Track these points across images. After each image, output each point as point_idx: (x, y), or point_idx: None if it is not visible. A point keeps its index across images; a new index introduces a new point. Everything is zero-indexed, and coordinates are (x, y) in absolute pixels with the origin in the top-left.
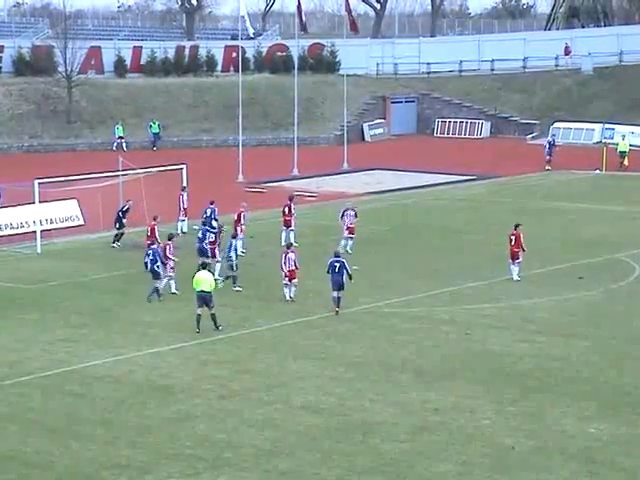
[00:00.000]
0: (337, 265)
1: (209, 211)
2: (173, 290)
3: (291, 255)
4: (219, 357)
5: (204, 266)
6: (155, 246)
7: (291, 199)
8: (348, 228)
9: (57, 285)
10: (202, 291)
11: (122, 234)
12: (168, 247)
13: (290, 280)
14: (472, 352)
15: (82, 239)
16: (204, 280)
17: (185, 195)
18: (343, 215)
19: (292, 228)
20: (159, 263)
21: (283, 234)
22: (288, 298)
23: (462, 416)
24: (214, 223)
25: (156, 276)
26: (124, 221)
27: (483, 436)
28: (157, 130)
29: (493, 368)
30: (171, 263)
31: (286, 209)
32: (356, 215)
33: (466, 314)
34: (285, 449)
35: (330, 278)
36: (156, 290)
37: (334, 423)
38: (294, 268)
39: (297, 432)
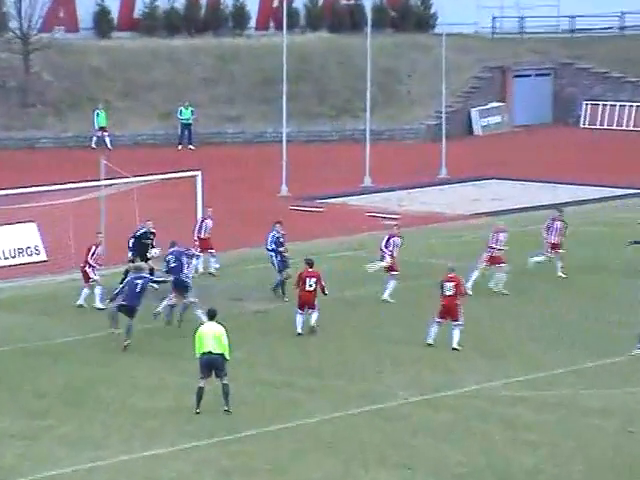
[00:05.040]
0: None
1: None
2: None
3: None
4: (250, 463)
5: (212, 315)
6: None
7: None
8: (553, 244)
9: (6, 352)
10: (209, 353)
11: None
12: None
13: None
14: (638, 459)
15: (43, 282)
16: (211, 336)
17: (209, 221)
18: (549, 228)
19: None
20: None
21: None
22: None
23: None
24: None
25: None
26: (152, 251)
27: None
28: (189, 117)
29: None
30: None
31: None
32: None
33: (628, 400)
34: None
35: None
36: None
37: None
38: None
39: None
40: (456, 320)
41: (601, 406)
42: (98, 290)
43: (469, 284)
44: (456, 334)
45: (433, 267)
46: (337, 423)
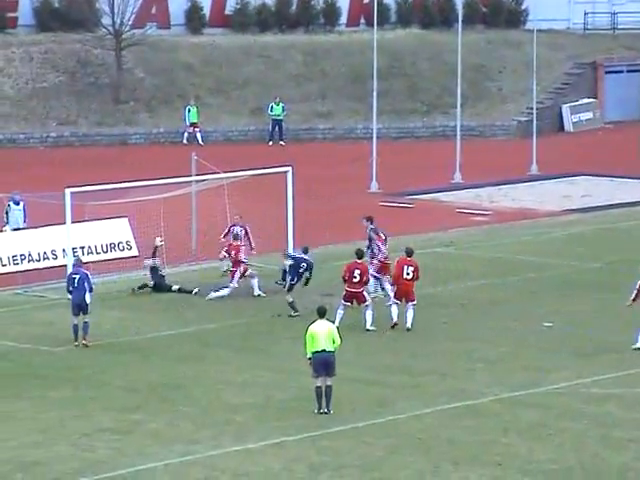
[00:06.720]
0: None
1: None
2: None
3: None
4: (340, 459)
5: (322, 313)
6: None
7: None
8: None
9: (97, 347)
10: (323, 351)
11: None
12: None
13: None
14: None
15: (134, 277)
16: (324, 334)
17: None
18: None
19: None
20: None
21: None
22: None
23: None
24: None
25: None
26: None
27: None
28: (279, 113)
29: None
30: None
31: None
32: None
33: None
34: None
35: None
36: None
37: None
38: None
39: None
40: None
41: None
42: (255, 280)
43: None
44: None
45: (522, 264)
46: (427, 420)
